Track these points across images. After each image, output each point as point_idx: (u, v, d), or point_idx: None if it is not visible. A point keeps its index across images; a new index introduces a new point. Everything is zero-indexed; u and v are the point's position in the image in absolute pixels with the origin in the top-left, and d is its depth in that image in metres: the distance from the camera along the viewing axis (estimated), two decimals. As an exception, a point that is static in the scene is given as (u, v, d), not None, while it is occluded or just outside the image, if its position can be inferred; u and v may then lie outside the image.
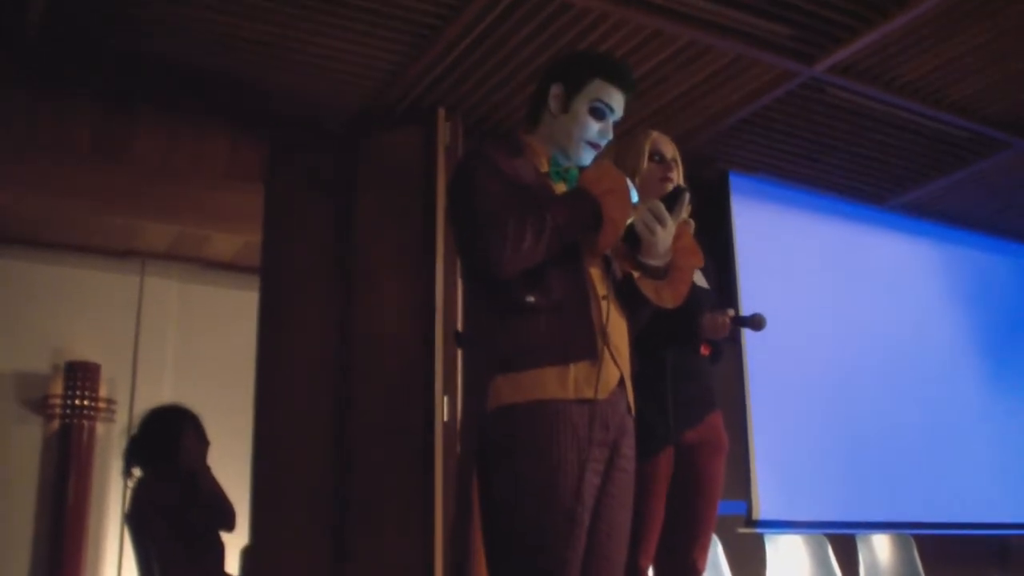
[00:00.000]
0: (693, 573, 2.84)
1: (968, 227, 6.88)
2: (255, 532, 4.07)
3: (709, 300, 2.97)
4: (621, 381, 2.27)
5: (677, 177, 2.89)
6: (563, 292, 2.22)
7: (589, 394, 2.17)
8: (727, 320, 2.87)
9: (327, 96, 4.90)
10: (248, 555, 4.33)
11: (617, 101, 2.41)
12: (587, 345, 2.20)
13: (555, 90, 2.41)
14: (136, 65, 4.63)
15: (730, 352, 4.40)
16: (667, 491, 2.81)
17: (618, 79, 2.41)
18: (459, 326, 4.09)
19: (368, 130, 4.61)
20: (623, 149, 2.90)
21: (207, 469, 4.26)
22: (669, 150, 2.93)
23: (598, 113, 2.38)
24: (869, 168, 5.99)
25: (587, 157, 2.44)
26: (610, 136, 2.43)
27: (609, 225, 2.21)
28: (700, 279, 2.98)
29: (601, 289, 2.27)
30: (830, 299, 6.01)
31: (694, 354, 2.93)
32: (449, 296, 4.04)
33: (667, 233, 2.25)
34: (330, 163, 4.39)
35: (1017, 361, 6.85)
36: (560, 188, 2.40)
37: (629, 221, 2.26)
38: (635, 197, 2.26)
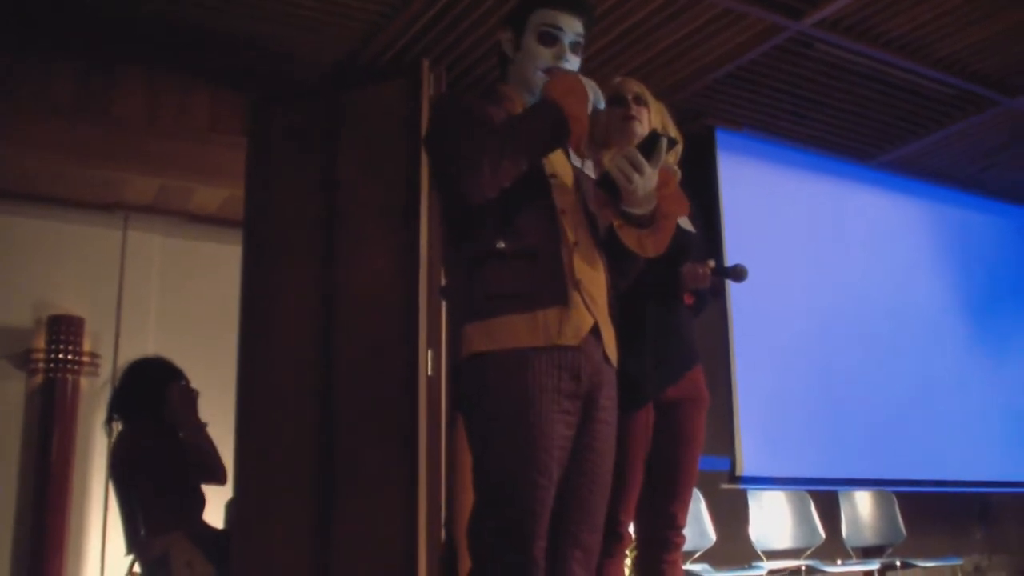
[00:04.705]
0: (674, 528, 2.84)
1: (954, 185, 6.89)
2: (239, 485, 4.07)
3: (696, 244, 2.95)
4: (595, 330, 2.23)
5: (648, 117, 2.85)
6: (534, 238, 2.20)
7: (558, 340, 2.14)
8: (707, 270, 2.85)
9: (310, 49, 4.86)
10: (232, 508, 4.34)
11: (565, 22, 2.37)
12: (557, 291, 2.18)
13: (505, 35, 2.43)
14: (116, 22, 4.57)
15: (715, 308, 4.40)
16: (648, 446, 2.80)
17: (557, 1, 2.38)
18: (443, 279, 4.07)
19: (351, 83, 4.57)
20: None
21: (192, 424, 4.25)
22: (632, 89, 2.88)
23: (547, 38, 2.36)
24: (855, 124, 5.99)
25: None
26: (568, 58, 2.37)
27: (574, 122, 2.17)
28: (687, 223, 2.95)
29: (573, 235, 2.25)
30: (815, 256, 6.02)
31: (676, 308, 2.90)
32: (434, 248, 4.02)
33: (646, 180, 2.21)
34: (313, 117, 4.35)
35: (999, 320, 6.89)
36: None
37: (604, 171, 2.23)
38: (601, 103, 2.24)
